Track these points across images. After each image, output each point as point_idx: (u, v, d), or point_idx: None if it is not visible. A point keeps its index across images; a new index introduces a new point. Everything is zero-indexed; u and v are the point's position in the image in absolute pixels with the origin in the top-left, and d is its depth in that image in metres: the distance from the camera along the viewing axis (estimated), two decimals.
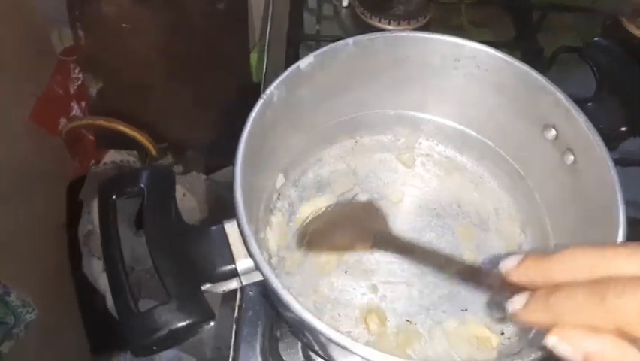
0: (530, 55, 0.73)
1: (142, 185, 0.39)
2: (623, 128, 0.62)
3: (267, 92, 0.45)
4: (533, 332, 0.46)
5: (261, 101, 0.44)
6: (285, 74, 0.46)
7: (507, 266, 0.29)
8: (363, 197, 0.55)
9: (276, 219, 0.52)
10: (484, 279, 0.33)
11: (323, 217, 0.52)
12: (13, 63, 0.96)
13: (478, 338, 0.47)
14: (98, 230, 0.98)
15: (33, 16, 1.02)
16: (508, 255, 0.29)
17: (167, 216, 0.39)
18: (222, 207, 1.04)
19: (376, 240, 0.50)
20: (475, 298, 0.49)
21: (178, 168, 1.13)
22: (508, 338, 0.48)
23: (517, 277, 0.28)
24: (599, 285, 0.24)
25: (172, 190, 0.41)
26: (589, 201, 0.45)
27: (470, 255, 0.52)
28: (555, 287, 0.26)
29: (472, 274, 0.35)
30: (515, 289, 0.28)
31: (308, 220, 0.52)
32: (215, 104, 1.08)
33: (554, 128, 0.48)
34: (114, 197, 0.39)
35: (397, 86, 0.54)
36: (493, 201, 0.56)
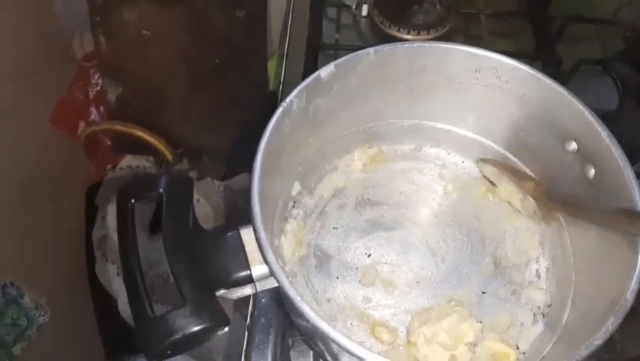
0: (550, 66, 0.73)
1: (161, 190, 0.40)
2: None
3: (287, 100, 0.45)
4: (548, 348, 0.45)
5: (280, 110, 0.44)
6: (305, 82, 0.46)
7: None
8: (378, 207, 0.55)
9: (291, 227, 0.52)
10: None
11: None
12: (34, 67, 0.97)
13: (495, 354, 0.46)
14: (112, 235, 0.99)
15: (55, 21, 1.04)
16: None
17: (185, 222, 0.39)
18: (237, 213, 1.04)
19: None
20: (492, 313, 0.49)
21: (193, 174, 1.13)
22: (524, 353, 0.47)
23: None
24: None
25: (190, 196, 0.41)
26: None
27: (487, 268, 0.52)
28: None
29: None
30: None
31: None
32: (231, 112, 1.08)
33: (575, 141, 0.47)
34: (133, 201, 0.39)
35: (416, 96, 0.54)
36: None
